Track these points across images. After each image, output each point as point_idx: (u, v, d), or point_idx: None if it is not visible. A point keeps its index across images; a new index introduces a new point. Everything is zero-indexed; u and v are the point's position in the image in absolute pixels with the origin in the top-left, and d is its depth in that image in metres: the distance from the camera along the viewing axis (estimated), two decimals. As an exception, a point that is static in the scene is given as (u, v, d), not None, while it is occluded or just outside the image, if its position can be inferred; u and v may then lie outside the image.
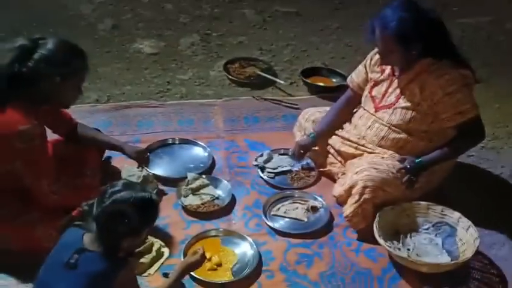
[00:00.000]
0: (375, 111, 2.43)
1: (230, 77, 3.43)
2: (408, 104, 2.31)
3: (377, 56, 2.45)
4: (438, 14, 2.24)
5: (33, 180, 2.01)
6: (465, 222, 2.23)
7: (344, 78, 3.41)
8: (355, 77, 2.60)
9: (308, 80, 3.41)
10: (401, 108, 2.33)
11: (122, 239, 1.62)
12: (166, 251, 2.15)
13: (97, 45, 3.78)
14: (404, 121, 2.32)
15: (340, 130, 2.59)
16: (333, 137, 2.59)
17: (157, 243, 2.16)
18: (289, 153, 2.73)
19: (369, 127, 2.45)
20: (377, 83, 2.46)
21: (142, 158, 2.49)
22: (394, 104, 2.35)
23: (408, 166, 2.27)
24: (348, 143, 2.52)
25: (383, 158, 2.38)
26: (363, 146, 2.47)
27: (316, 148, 2.65)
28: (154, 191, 2.42)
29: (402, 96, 2.33)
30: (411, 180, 2.28)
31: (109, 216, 1.58)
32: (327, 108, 2.70)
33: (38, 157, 1.99)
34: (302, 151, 2.61)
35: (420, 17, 2.17)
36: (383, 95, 2.41)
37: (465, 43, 4.01)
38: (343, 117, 2.63)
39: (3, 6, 4.19)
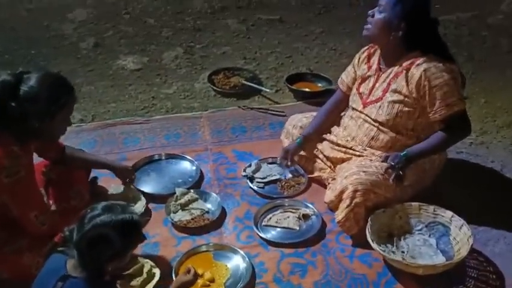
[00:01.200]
0: (363, 107, 2.42)
1: (215, 88, 3.41)
2: (395, 98, 2.30)
3: (365, 54, 2.49)
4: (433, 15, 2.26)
5: (20, 213, 1.96)
6: (458, 220, 2.21)
7: (330, 82, 3.42)
8: (344, 78, 2.61)
9: (293, 86, 3.40)
10: (388, 102, 2.32)
11: (106, 263, 1.58)
12: (157, 271, 2.10)
13: (80, 64, 3.76)
14: (391, 115, 2.31)
15: (328, 134, 2.57)
16: (323, 142, 2.57)
17: (148, 264, 2.12)
18: (278, 161, 2.71)
19: (359, 127, 2.44)
20: (364, 79, 2.47)
21: (128, 178, 2.45)
22: (381, 98, 2.35)
23: (393, 163, 2.25)
24: (337, 147, 2.51)
25: (371, 160, 2.36)
26: (351, 149, 2.45)
27: (304, 153, 2.63)
28: (142, 209, 2.40)
29: (389, 90, 2.32)
30: (399, 176, 2.25)
31: (90, 241, 1.54)
32: (314, 114, 2.69)
33: (25, 190, 1.94)
34: (289, 156, 2.59)
35: (422, 4, 2.22)
36: (370, 90, 2.41)
37: (448, 40, 3.97)
38: (331, 119, 2.63)
39: (-17, 30, 4.18)
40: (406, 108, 2.29)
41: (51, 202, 2.23)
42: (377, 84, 2.39)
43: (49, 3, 4.63)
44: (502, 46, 3.95)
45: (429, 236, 2.25)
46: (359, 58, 2.53)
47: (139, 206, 2.42)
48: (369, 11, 2.29)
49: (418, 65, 2.23)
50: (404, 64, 2.28)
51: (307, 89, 3.41)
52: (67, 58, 3.84)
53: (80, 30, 4.22)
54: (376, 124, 2.38)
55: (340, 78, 2.65)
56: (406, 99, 2.28)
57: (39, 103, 1.86)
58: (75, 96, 2.02)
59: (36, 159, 2.26)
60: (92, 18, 4.38)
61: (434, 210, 2.28)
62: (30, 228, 1.98)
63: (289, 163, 2.62)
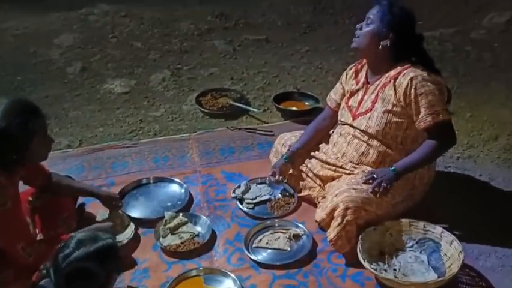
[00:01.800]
0: (353, 119, 2.44)
1: (203, 109, 3.42)
2: (384, 108, 2.32)
3: (352, 70, 2.53)
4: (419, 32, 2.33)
5: (7, 244, 1.93)
6: (448, 236, 2.21)
7: (317, 100, 3.44)
8: (333, 95, 2.64)
9: (281, 106, 3.41)
10: (378, 113, 2.34)
11: None
12: None
13: (67, 89, 3.75)
14: (380, 126, 2.33)
15: (317, 152, 2.58)
16: (312, 160, 2.57)
17: None
18: (267, 180, 2.70)
19: (348, 143, 2.46)
20: (352, 93, 2.50)
21: (114, 205, 2.43)
22: (371, 110, 2.37)
23: (375, 176, 2.27)
24: (327, 166, 2.51)
25: (361, 178, 2.36)
26: (341, 167, 2.46)
27: (293, 172, 2.62)
28: (131, 235, 2.37)
29: (378, 101, 2.35)
30: (380, 186, 2.25)
31: (68, 280, 1.52)
32: (303, 132, 2.69)
33: (12, 221, 1.92)
34: (277, 172, 2.58)
35: (405, 16, 2.28)
36: (359, 103, 2.43)
37: (432, 55, 4.02)
38: (320, 136, 2.65)
39: (-31, 58, 4.17)
40: (395, 119, 2.31)
41: (37, 231, 2.20)
42: (366, 97, 2.42)
43: (36, 29, 4.64)
44: (485, 60, 4.01)
45: (421, 252, 2.24)
46: (347, 74, 2.57)
47: (128, 232, 2.39)
48: (357, 25, 2.35)
49: (405, 74, 2.27)
50: (392, 74, 2.31)
51: (294, 108, 3.43)
52: (54, 83, 3.83)
53: (67, 55, 4.22)
54: (365, 138, 2.39)
55: (328, 96, 2.68)
56: (395, 108, 2.30)
57: (9, 138, 1.84)
58: (43, 116, 1.99)
59: (22, 187, 2.24)
60: (79, 43, 4.39)
61: (424, 227, 2.27)
62: (17, 259, 1.94)
63: (278, 179, 2.60)
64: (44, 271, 1.63)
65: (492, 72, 3.84)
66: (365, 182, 2.29)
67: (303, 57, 4.20)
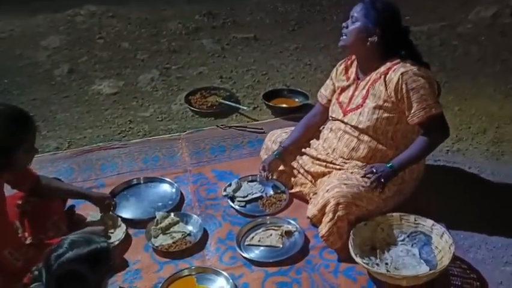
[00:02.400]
0: (344, 115, 2.44)
1: (192, 108, 3.40)
2: (375, 103, 2.33)
3: (342, 66, 2.53)
4: (405, 25, 2.33)
5: None
6: (439, 229, 2.22)
7: (306, 97, 3.44)
8: (323, 91, 2.64)
9: (271, 103, 3.41)
10: (368, 108, 2.35)
11: None
12: None
13: (55, 91, 3.72)
14: (371, 122, 2.33)
15: (308, 149, 2.58)
16: (303, 157, 2.57)
17: None
18: (258, 178, 2.70)
19: (339, 139, 2.46)
20: (343, 89, 2.50)
21: (106, 205, 2.41)
22: (362, 105, 2.37)
23: (375, 170, 2.28)
24: (318, 162, 2.51)
25: (352, 173, 2.37)
26: (331, 163, 2.46)
27: (284, 168, 2.63)
28: (122, 235, 2.35)
29: (369, 97, 2.35)
30: (380, 181, 2.27)
31: (59, 281, 1.51)
32: (293, 129, 2.69)
33: None
34: (267, 168, 2.58)
35: (390, 10, 2.28)
36: (350, 99, 2.44)
37: (420, 50, 4.07)
38: (311, 132, 2.65)
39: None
40: (386, 114, 2.32)
41: (26, 235, 2.18)
42: (357, 92, 2.42)
43: (22, 32, 4.60)
44: (472, 54, 4.04)
45: (412, 246, 2.25)
46: (337, 70, 2.57)
47: (119, 233, 2.37)
48: (343, 23, 2.35)
49: (395, 69, 2.27)
50: (382, 70, 2.32)
51: (284, 105, 3.43)
52: (41, 86, 3.80)
53: (54, 57, 4.19)
54: (356, 133, 2.39)
55: (319, 92, 2.68)
56: (385, 104, 2.31)
57: None
58: (34, 127, 1.95)
59: (11, 191, 2.22)
60: (66, 45, 4.36)
61: (415, 220, 2.28)
62: (5, 265, 1.92)
63: (268, 175, 2.60)
64: (36, 272, 1.60)
65: (480, 66, 3.87)
66: (364, 176, 2.29)
67: (291, 54, 4.20)
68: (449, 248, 2.11)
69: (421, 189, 2.50)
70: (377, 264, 2.17)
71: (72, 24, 4.72)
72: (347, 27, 2.33)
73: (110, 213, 2.44)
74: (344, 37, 2.35)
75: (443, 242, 2.18)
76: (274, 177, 2.67)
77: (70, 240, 1.59)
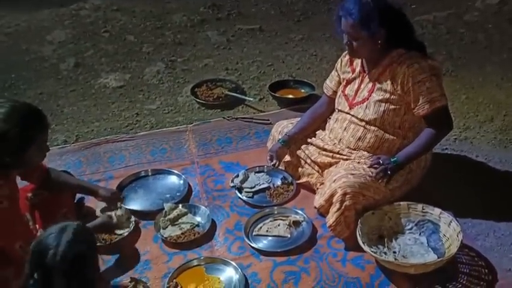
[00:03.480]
0: (350, 108, 2.44)
1: (198, 100, 3.41)
2: (381, 97, 2.32)
3: (347, 57, 2.49)
4: (400, 6, 2.28)
5: (5, 243, 1.92)
6: (446, 217, 2.22)
7: (313, 87, 3.44)
8: (329, 82, 2.63)
9: (277, 94, 3.41)
10: (375, 101, 2.34)
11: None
12: None
13: (61, 85, 3.73)
14: (378, 114, 2.33)
15: (314, 139, 2.58)
16: (309, 147, 2.57)
17: (140, 285, 2.09)
18: (265, 170, 2.71)
19: (345, 129, 2.46)
20: (349, 82, 2.48)
21: (115, 200, 2.41)
22: (368, 99, 2.37)
23: (381, 161, 2.28)
24: (324, 152, 2.51)
25: (359, 163, 2.37)
26: (338, 153, 2.46)
27: (290, 159, 2.63)
28: (132, 227, 2.38)
29: (375, 89, 2.35)
30: (386, 173, 2.27)
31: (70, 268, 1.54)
32: (299, 119, 2.69)
33: (8, 220, 1.90)
34: (274, 156, 2.59)
35: (381, 3, 2.22)
36: (356, 92, 2.43)
37: (426, 39, 4.07)
38: (317, 122, 2.64)
39: (-38, 57, 4.14)
40: (392, 106, 2.32)
41: (37, 227, 2.20)
42: (362, 85, 2.41)
43: (27, 26, 4.61)
44: (479, 42, 4.01)
45: (420, 234, 2.26)
46: (341, 62, 2.55)
47: (128, 225, 2.39)
48: (344, 41, 2.28)
49: (401, 62, 2.26)
50: (388, 63, 2.30)
51: (290, 96, 3.42)
52: (48, 80, 3.81)
53: (59, 51, 4.20)
54: (362, 123, 2.39)
55: (325, 83, 2.67)
56: (392, 96, 2.30)
57: (8, 142, 1.82)
58: (46, 124, 1.96)
59: (21, 183, 2.24)
60: (71, 39, 4.36)
61: (423, 209, 2.28)
62: (16, 258, 1.94)
63: (275, 163, 2.60)
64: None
65: (486, 54, 3.84)
66: (371, 166, 2.30)
67: (297, 45, 4.19)
68: (457, 235, 2.11)
69: (429, 178, 2.50)
70: (385, 253, 2.18)
71: (77, 18, 4.72)
72: (350, 44, 2.26)
73: (120, 206, 2.44)
74: (354, 52, 2.30)
75: (451, 230, 2.18)
76: (282, 167, 2.67)
77: (48, 236, 1.61)
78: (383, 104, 2.32)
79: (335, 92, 2.58)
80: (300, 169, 2.63)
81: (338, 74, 2.56)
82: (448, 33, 4.16)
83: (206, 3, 4.86)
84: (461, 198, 2.49)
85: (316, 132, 2.62)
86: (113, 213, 2.33)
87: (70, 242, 1.57)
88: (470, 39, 4.05)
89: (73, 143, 3.08)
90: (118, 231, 2.35)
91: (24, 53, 4.18)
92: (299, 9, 4.80)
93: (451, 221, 2.20)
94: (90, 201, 2.52)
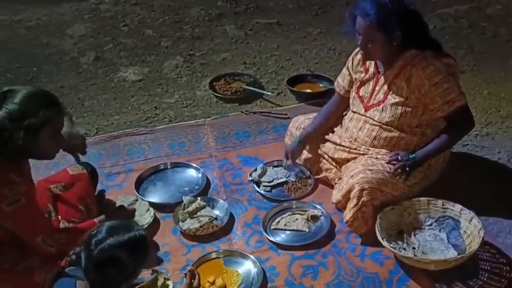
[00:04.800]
0: (365, 111, 2.41)
1: (217, 94, 3.42)
2: (398, 100, 2.29)
3: (359, 56, 2.44)
4: (415, 7, 2.23)
5: (27, 238, 1.94)
6: (467, 213, 2.19)
7: (331, 82, 3.41)
8: (340, 81, 2.60)
9: (295, 88, 3.40)
10: (391, 104, 2.31)
11: (118, 285, 1.57)
12: (170, 284, 2.08)
13: (81, 79, 3.77)
14: (395, 117, 2.31)
15: (331, 135, 2.56)
16: (326, 143, 2.56)
17: (161, 276, 2.10)
18: (283, 164, 2.71)
19: (360, 128, 2.44)
20: (363, 83, 2.45)
21: (75, 147, 2.33)
22: (383, 101, 2.34)
23: (400, 158, 2.26)
24: (341, 147, 2.50)
25: (376, 158, 2.35)
26: (355, 149, 2.45)
27: (309, 155, 2.63)
28: (151, 219, 2.40)
29: (391, 92, 2.31)
30: (404, 169, 2.25)
31: (100, 267, 1.54)
32: (316, 115, 2.68)
33: (28, 216, 1.91)
34: (289, 156, 2.59)
35: (398, 5, 2.16)
36: (371, 94, 2.40)
37: (447, 33, 4.03)
38: (332, 120, 2.63)
39: (-16, 50, 4.21)
40: (409, 108, 2.29)
41: (60, 218, 2.23)
42: (377, 87, 2.37)
43: (48, 21, 4.66)
44: (502, 36, 3.94)
45: (440, 230, 2.24)
46: (353, 60, 2.49)
47: (147, 217, 2.42)
48: (358, 42, 2.23)
49: (415, 64, 2.22)
50: (401, 64, 2.26)
51: (308, 90, 3.41)
52: (68, 73, 3.86)
53: (79, 45, 4.24)
54: (378, 124, 2.37)
55: (336, 81, 2.63)
56: (408, 100, 2.27)
57: (19, 119, 1.82)
58: (61, 111, 1.95)
59: (42, 174, 2.27)
60: (91, 32, 4.40)
61: (443, 205, 2.26)
62: (39, 251, 1.97)
63: (289, 163, 2.60)
64: (74, 256, 1.63)
65: (509, 48, 3.77)
66: (389, 162, 2.28)
67: (315, 39, 4.17)
68: (478, 232, 2.09)
69: (449, 174, 2.47)
70: (404, 249, 2.16)
71: (97, 12, 4.76)
72: (364, 45, 2.21)
73: (138, 198, 2.44)
74: (369, 55, 2.26)
75: (472, 227, 2.16)
76: (300, 162, 2.67)
77: (109, 226, 1.61)
78: (400, 107, 2.29)
79: (347, 91, 2.54)
80: (318, 164, 2.62)
81: (350, 73, 2.52)
82: (469, 27, 4.09)
83: (224, -3, 4.86)
84: (482, 194, 2.45)
85: (334, 129, 2.60)
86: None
87: (117, 242, 1.56)
88: (492, 33, 3.98)
89: (93, 136, 3.12)
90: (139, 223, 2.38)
91: (45, 47, 4.24)
92: (317, 3, 4.77)
93: (472, 218, 2.17)
94: (110, 194, 2.55)
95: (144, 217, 2.43)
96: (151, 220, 2.41)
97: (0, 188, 1.84)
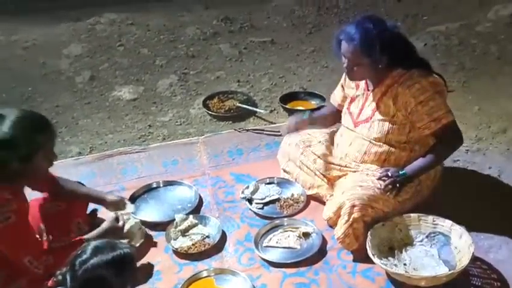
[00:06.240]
0: (355, 126, 2.45)
1: (210, 112, 3.45)
2: (384, 117, 2.33)
3: None
4: (399, 29, 2.28)
5: (14, 258, 1.94)
6: (458, 229, 2.20)
7: (323, 99, 3.45)
8: (336, 94, 2.68)
9: (287, 106, 3.43)
10: (378, 120, 2.35)
11: None
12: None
13: (77, 98, 3.81)
14: (382, 133, 2.34)
15: (323, 155, 2.57)
16: (317, 160, 2.57)
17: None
18: (275, 181, 2.72)
19: (350, 144, 2.47)
20: (353, 99, 2.50)
21: (122, 204, 2.43)
22: (371, 118, 2.38)
23: (390, 174, 2.27)
24: (332, 165, 2.52)
25: (367, 175, 2.37)
26: (345, 166, 2.47)
27: (299, 172, 2.65)
28: (141, 241, 2.39)
29: (378, 110, 2.35)
30: (394, 185, 2.26)
31: (84, 286, 1.54)
32: (309, 131, 2.71)
33: (16, 235, 1.91)
34: (291, 127, 2.63)
35: (383, 29, 2.21)
36: (360, 110, 2.44)
37: (439, 50, 4.08)
38: (333, 118, 2.71)
39: (-20, 71, 4.25)
40: (396, 125, 2.32)
41: (51, 237, 2.23)
42: (366, 103, 2.42)
43: (44, 41, 4.72)
44: (492, 53, 3.99)
45: (431, 246, 2.24)
46: (346, 77, 2.53)
47: (139, 237, 2.41)
48: (344, 65, 2.28)
49: (402, 83, 2.26)
50: (389, 83, 2.30)
51: (301, 107, 3.44)
52: (64, 93, 3.89)
53: (75, 64, 4.29)
54: (368, 139, 2.40)
55: (332, 95, 2.71)
56: (394, 117, 2.31)
57: (14, 148, 1.84)
58: (53, 132, 1.98)
59: (34, 194, 2.28)
60: (87, 52, 4.46)
61: (434, 220, 2.27)
62: (26, 272, 1.95)
63: (290, 129, 2.64)
64: (60, 277, 1.63)
65: (499, 65, 3.82)
66: (379, 178, 2.29)
67: (308, 57, 4.22)
68: (469, 248, 2.09)
69: (440, 190, 2.48)
70: (395, 265, 2.17)
71: (93, 32, 4.82)
72: (350, 68, 2.26)
73: (132, 218, 2.44)
74: (355, 76, 2.31)
75: (462, 242, 2.16)
76: (292, 179, 2.69)
77: (94, 245, 1.62)
78: (387, 124, 2.33)
79: (341, 105, 2.61)
80: (309, 181, 2.63)
81: (343, 89, 2.59)
82: (460, 44, 4.15)
83: (219, 17, 4.93)
84: (473, 210, 2.46)
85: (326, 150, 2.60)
86: (119, 214, 2.34)
87: (101, 262, 1.57)
88: (483, 50, 4.03)
89: (87, 155, 3.14)
90: (131, 242, 2.38)
91: (41, 67, 4.28)
92: (311, 21, 4.84)
93: (462, 233, 2.18)
94: (103, 213, 2.55)
95: (136, 235, 2.42)
96: (143, 238, 2.40)
97: None
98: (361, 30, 2.17)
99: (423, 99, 2.22)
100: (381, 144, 2.37)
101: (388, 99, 2.30)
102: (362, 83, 2.44)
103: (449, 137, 2.28)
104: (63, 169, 2.87)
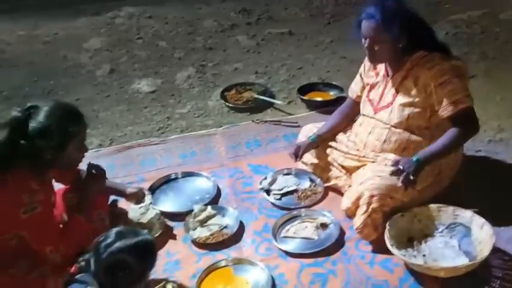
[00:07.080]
0: (375, 113, 2.43)
1: (228, 104, 3.46)
2: (405, 101, 2.31)
3: None
4: (417, 12, 2.28)
5: (37, 247, 2.00)
6: (478, 220, 2.17)
7: (341, 90, 3.43)
8: (354, 86, 2.65)
9: (305, 97, 3.41)
10: (399, 105, 2.33)
11: None
12: None
13: (97, 91, 3.86)
14: (403, 118, 2.31)
15: (338, 144, 2.57)
16: (334, 151, 2.57)
17: (170, 284, 2.13)
18: (293, 172, 2.73)
19: (369, 133, 2.44)
20: (373, 86, 2.48)
21: (142, 195, 2.48)
22: (392, 103, 2.36)
23: (402, 167, 2.18)
24: (350, 156, 2.50)
25: (385, 165, 2.34)
26: (363, 157, 2.45)
27: (317, 162, 2.64)
28: (160, 231, 2.43)
29: (399, 94, 2.34)
30: (410, 180, 2.19)
31: (108, 270, 1.58)
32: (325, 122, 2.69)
33: (41, 225, 1.97)
34: (300, 152, 2.58)
35: (403, 8, 2.24)
36: (380, 97, 2.42)
37: (460, 38, 4.01)
38: (345, 122, 2.66)
39: (2, 65, 4.33)
40: (417, 109, 2.29)
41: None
42: (386, 90, 2.40)
43: (65, 35, 4.79)
44: (515, 41, 3.90)
45: (451, 237, 2.21)
46: (365, 66, 2.55)
47: (158, 227, 2.45)
48: (365, 45, 2.29)
49: (422, 65, 2.25)
50: (410, 66, 2.29)
51: (319, 98, 3.42)
52: (84, 86, 3.95)
53: (95, 58, 4.34)
54: (387, 126, 2.37)
55: (350, 87, 2.69)
56: (416, 100, 2.29)
57: (49, 137, 1.89)
58: (85, 123, 2.04)
59: (58, 185, 2.33)
60: (107, 46, 4.50)
61: (454, 211, 2.24)
62: (47, 260, 2.01)
63: (298, 158, 2.60)
64: (83, 262, 1.67)
65: (522, 54, 3.73)
66: (391, 174, 2.23)
67: (326, 48, 4.18)
68: (490, 239, 2.06)
69: (460, 180, 2.45)
70: (414, 256, 2.15)
71: (112, 26, 4.87)
72: (371, 48, 2.27)
73: (153, 209, 2.48)
74: (374, 57, 2.31)
75: (483, 233, 2.13)
76: (310, 169, 2.68)
77: (117, 231, 1.66)
78: (407, 108, 2.30)
79: (359, 96, 2.58)
80: (327, 172, 2.62)
81: (362, 78, 2.56)
82: (482, 33, 4.06)
83: (236, 9, 4.92)
84: (494, 201, 2.42)
85: (337, 137, 2.60)
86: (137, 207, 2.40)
87: (125, 246, 1.61)
88: (506, 39, 3.94)
89: (107, 147, 3.18)
90: (150, 232, 2.41)
91: (62, 61, 4.35)
92: (329, 12, 4.80)
93: (483, 224, 2.14)
94: (123, 203, 2.59)
95: (156, 226, 2.46)
96: (162, 229, 2.43)
97: (19, 195, 1.90)
98: (381, 7, 2.21)
99: (442, 81, 2.20)
100: (401, 131, 2.34)
101: (409, 83, 2.29)
102: (382, 70, 2.43)
103: (463, 123, 2.23)
104: (84, 161, 2.92)
